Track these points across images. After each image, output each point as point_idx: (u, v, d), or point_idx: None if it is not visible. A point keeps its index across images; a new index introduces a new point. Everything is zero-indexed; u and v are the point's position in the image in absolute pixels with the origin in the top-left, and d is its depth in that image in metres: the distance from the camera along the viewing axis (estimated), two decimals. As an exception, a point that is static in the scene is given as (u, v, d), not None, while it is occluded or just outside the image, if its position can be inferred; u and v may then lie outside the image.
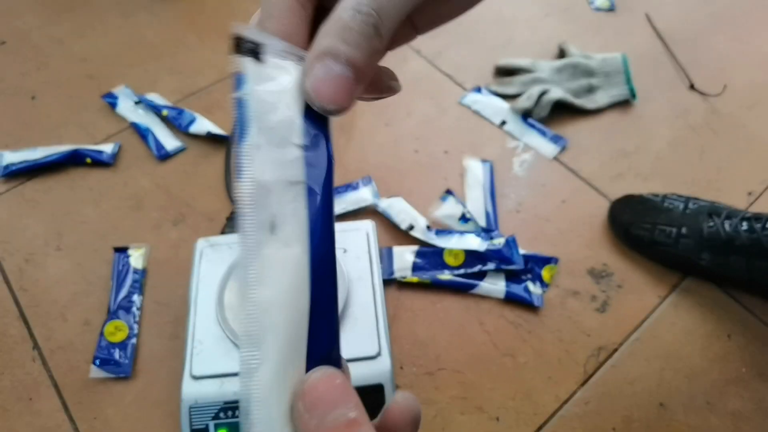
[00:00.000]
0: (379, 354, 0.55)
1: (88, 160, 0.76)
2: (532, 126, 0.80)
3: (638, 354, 0.64)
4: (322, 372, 0.20)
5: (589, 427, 0.59)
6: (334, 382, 0.19)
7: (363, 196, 0.71)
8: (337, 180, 0.74)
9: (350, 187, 0.72)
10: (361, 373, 0.54)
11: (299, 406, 0.19)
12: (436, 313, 0.65)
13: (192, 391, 0.55)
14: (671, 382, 0.62)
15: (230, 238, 0.64)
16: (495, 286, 0.65)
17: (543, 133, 0.80)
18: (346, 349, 0.56)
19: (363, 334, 0.57)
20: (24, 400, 0.61)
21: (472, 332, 0.64)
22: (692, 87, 0.87)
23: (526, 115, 0.81)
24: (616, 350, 0.64)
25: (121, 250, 0.69)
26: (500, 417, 0.59)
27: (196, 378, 0.55)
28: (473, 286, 0.65)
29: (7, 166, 0.76)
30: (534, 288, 0.66)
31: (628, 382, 0.62)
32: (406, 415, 0.22)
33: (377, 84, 0.25)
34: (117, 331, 0.63)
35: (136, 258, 0.68)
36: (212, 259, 0.62)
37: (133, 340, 0.63)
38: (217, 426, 0.54)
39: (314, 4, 0.25)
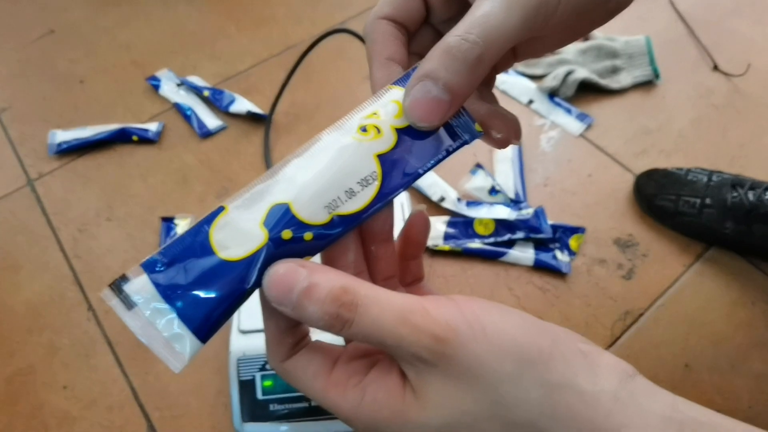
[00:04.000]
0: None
1: (135, 138, 0.81)
2: (559, 104, 0.83)
3: (663, 319, 0.66)
4: (267, 275, 0.23)
5: (616, 385, 0.61)
6: (279, 275, 0.23)
7: (396, 169, 0.74)
8: (371, 155, 0.78)
9: (383, 161, 0.76)
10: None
11: (266, 308, 0.25)
12: (466, 279, 0.68)
13: (240, 344, 0.58)
14: (696, 345, 0.64)
15: (272, 206, 0.68)
16: (524, 253, 0.68)
17: (569, 111, 0.82)
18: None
19: (399, 293, 0.60)
20: (82, 356, 0.65)
21: (502, 297, 0.67)
22: (716, 68, 0.89)
23: (552, 94, 0.84)
24: (642, 315, 0.66)
25: (168, 220, 0.73)
26: (530, 375, 0.62)
27: (243, 332, 0.59)
28: (503, 254, 0.68)
29: (59, 144, 0.81)
30: (562, 256, 0.68)
31: (653, 345, 0.64)
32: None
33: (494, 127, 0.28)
34: (166, 293, 0.67)
35: (182, 227, 0.72)
36: (256, 225, 0.65)
37: (182, 302, 0.67)
38: (263, 377, 0.58)
39: (412, 29, 0.28)
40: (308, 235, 0.23)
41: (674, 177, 0.73)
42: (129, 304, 0.23)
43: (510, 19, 0.22)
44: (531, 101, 0.84)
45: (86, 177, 0.80)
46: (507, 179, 0.74)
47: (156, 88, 0.87)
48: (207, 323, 0.24)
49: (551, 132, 0.81)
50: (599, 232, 0.72)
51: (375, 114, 0.24)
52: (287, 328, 0.26)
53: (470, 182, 0.74)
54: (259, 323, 0.59)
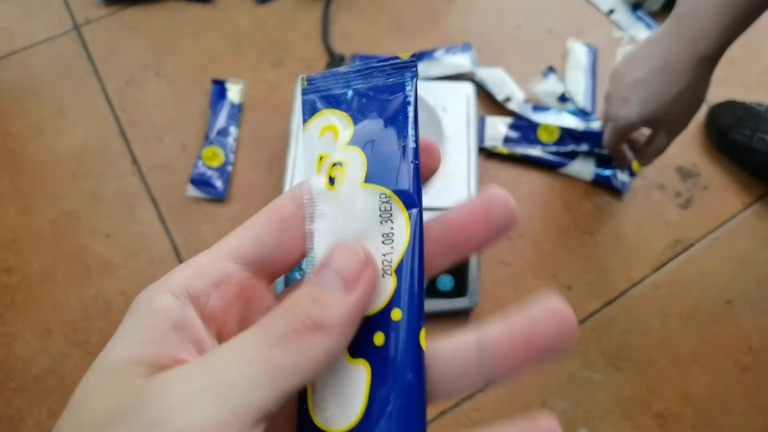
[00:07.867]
0: (470, 207, 0.57)
1: (189, -6, 0.76)
2: (641, 19, 0.77)
3: (714, 253, 0.64)
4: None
5: (656, 309, 0.61)
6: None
7: (461, 61, 0.70)
8: (436, 43, 0.73)
9: (449, 51, 0.71)
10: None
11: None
12: (521, 185, 0.66)
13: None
14: (742, 283, 0.63)
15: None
16: (585, 167, 0.65)
17: (650, 27, 0.77)
18: (440, 200, 0.58)
19: (455, 187, 0.59)
20: (125, 207, 0.65)
21: (555, 207, 0.65)
22: (816, 2, 0.81)
23: (636, 6, 0.78)
24: (692, 245, 0.64)
25: (219, 83, 0.70)
26: (572, 286, 0.61)
27: (294, 204, 0.58)
28: (563, 165, 0.65)
29: (108, -10, 0.76)
30: (622, 175, 0.66)
31: (699, 276, 0.63)
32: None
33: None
34: (214, 156, 0.66)
35: (234, 92, 0.70)
36: (314, 98, 0.63)
37: (229, 168, 0.66)
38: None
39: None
40: (396, 314, 0.18)
41: (753, 111, 0.69)
42: None
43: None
44: (612, 11, 0.78)
45: (135, 28, 0.76)
46: (578, 88, 0.70)
47: (213, -59, 0.81)
48: None
49: (629, 47, 0.76)
50: (662, 157, 0.68)
51: (321, 158, 0.19)
52: None
53: (540, 85, 0.70)
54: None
